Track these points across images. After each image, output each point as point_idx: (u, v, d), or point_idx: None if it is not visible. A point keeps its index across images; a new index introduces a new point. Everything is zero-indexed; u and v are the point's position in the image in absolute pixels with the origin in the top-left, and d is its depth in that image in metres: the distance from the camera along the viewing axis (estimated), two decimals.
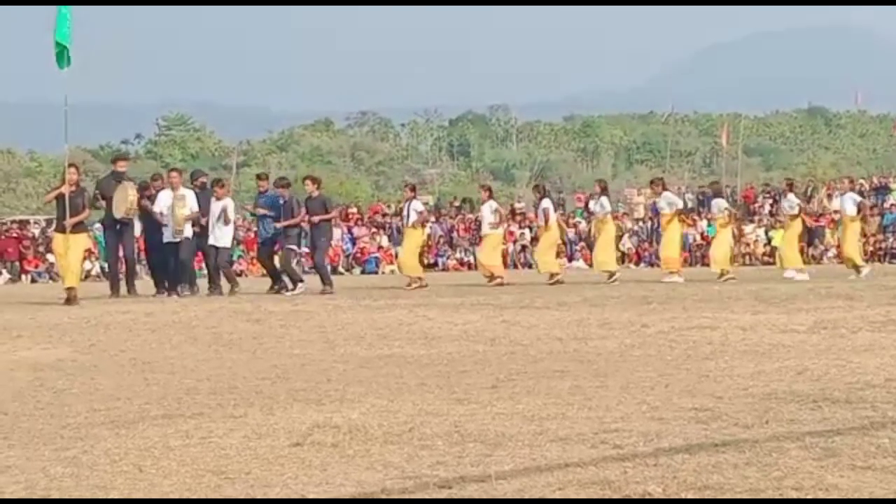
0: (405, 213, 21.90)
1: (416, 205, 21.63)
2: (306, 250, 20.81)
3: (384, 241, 39.20)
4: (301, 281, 19.10)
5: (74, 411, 6.07)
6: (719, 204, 22.47)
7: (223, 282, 19.01)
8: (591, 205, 24.00)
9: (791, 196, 22.89)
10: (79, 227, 16.86)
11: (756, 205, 41.01)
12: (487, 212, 21.79)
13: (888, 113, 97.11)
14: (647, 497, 3.78)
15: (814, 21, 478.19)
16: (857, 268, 20.96)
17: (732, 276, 20.73)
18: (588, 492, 3.85)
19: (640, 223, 41.50)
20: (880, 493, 3.76)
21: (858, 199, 22.62)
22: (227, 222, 18.64)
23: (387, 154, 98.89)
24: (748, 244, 36.85)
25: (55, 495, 4.07)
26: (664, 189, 22.41)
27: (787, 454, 4.38)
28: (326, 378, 7.30)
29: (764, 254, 35.79)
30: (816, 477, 3.97)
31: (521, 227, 39.39)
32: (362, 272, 35.76)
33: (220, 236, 18.65)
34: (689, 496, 3.77)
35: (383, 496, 3.91)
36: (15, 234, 35.66)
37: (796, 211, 22.40)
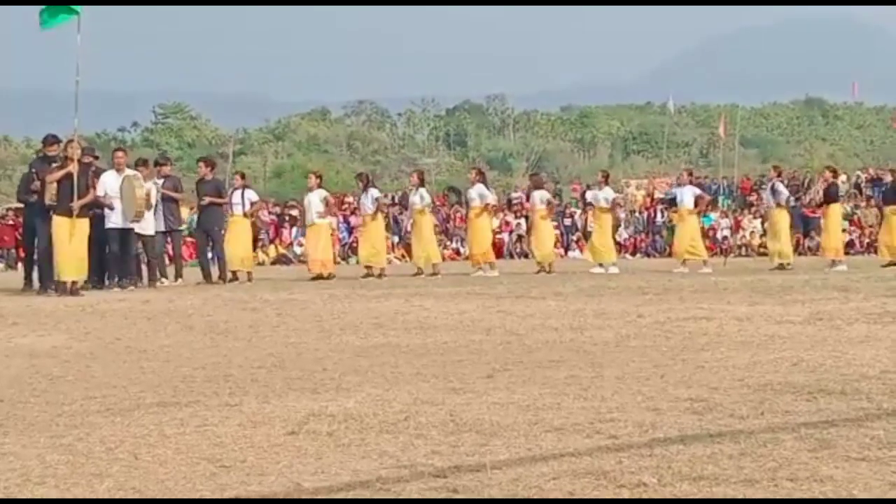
0: (236, 201, 20.12)
1: (250, 194, 20.57)
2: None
3: None
4: (180, 277, 18.58)
5: (70, 399, 6.07)
6: (542, 196, 22.41)
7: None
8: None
9: (607, 189, 22.92)
10: (83, 211, 15.72)
11: (753, 196, 41.04)
12: (316, 200, 20.65)
13: (885, 105, 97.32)
14: (642, 487, 3.78)
15: (812, 14, 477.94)
16: (685, 263, 21.48)
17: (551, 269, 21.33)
18: (583, 482, 3.86)
19: (637, 214, 41.58)
20: (875, 484, 3.77)
21: (698, 192, 22.92)
22: (149, 207, 17.58)
23: (383, 143, 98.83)
24: (744, 235, 36.88)
25: (51, 483, 4.07)
26: (480, 180, 22.02)
27: (782, 445, 4.38)
28: (322, 367, 7.31)
29: (760, 245, 35.81)
30: (811, 468, 3.98)
31: (517, 217, 39.40)
32: (358, 262, 35.73)
33: (143, 224, 17.61)
34: (684, 487, 3.77)
35: (378, 485, 3.91)
36: (11, 222, 35.59)
37: (609, 205, 22.60)
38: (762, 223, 36.71)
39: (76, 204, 15.42)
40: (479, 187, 21.72)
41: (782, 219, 22.27)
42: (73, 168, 15.45)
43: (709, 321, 9.92)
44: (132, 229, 17.27)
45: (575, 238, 39.46)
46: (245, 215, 20.19)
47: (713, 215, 40.28)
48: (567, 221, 40.07)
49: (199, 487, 3.97)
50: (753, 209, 38.07)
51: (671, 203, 40.64)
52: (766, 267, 21.33)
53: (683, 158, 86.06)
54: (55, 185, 15.57)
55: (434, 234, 23.49)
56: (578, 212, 40.43)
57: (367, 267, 20.86)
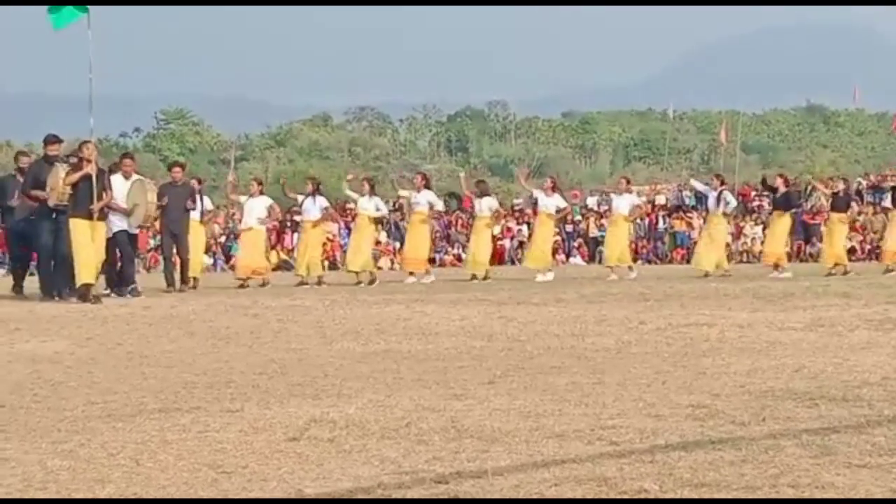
0: (200, 206, 19.78)
1: (206, 201, 20.30)
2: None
3: (382, 237, 39.17)
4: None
5: (72, 404, 6.06)
6: (489, 203, 22.42)
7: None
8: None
9: (556, 196, 23.06)
10: (101, 214, 15.17)
11: (754, 203, 41.03)
12: (259, 206, 20.42)
13: (887, 111, 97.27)
14: (644, 493, 3.78)
15: (814, 19, 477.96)
16: (630, 267, 21.97)
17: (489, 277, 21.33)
18: (584, 488, 3.86)
19: (638, 220, 41.54)
20: (876, 491, 3.77)
21: (636, 201, 23.38)
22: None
23: (384, 149, 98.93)
24: (746, 242, 36.87)
25: (52, 488, 4.08)
26: (426, 185, 22.00)
27: (784, 452, 4.38)
28: (323, 373, 7.31)
29: (761, 251, 35.82)
30: (812, 475, 3.98)
31: (518, 224, 39.45)
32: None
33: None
34: (685, 493, 3.77)
35: (380, 491, 3.91)
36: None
37: (558, 213, 22.80)
38: (763, 229, 36.75)
39: (96, 206, 14.99)
40: (427, 193, 21.63)
41: (723, 228, 22.64)
42: (92, 170, 15.05)
43: (710, 327, 9.92)
44: (136, 235, 17.11)
45: (576, 244, 39.48)
46: (200, 222, 20.03)
47: None
48: (569, 228, 40.09)
49: (201, 493, 3.98)
50: (755, 216, 38.07)
51: (677, 208, 40.79)
52: (767, 273, 21.29)
53: (685, 165, 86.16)
54: (67, 186, 15.10)
55: (372, 243, 23.54)
56: (580, 218, 40.48)
57: (318, 276, 20.55)
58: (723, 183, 23.73)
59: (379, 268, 35.03)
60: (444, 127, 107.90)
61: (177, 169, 19.43)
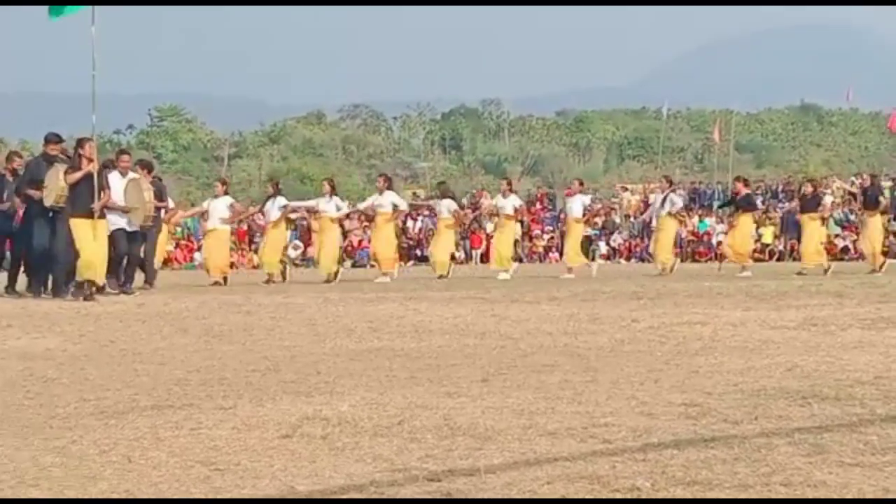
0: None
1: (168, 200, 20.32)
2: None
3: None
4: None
5: (64, 401, 6.06)
6: (448, 205, 22.63)
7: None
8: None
9: (513, 196, 23.22)
10: (101, 212, 15.07)
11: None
12: (222, 206, 20.63)
13: (880, 111, 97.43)
14: (636, 491, 3.78)
15: (807, 19, 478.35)
16: (588, 265, 22.67)
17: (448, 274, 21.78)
18: (576, 486, 3.86)
19: (632, 219, 41.61)
20: (868, 489, 3.77)
21: (587, 202, 23.74)
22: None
23: (378, 147, 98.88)
24: None
25: (44, 485, 4.07)
26: (389, 187, 22.28)
27: (776, 450, 4.38)
28: (316, 370, 7.30)
29: (755, 250, 35.82)
30: (805, 473, 3.98)
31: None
32: (353, 265, 35.73)
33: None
34: (678, 491, 3.77)
35: (372, 488, 3.91)
36: None
37: (511, 211, 22.94)
38: (756, 228, 36.77)
39: (97, 205, 14.87)
40: (390, 194, 21.97)
41: (671, 227, 23.11)
42: (94, 168, 14.91)
43: (703, 326, 9.93)
44: (136, 231, 17.05)
45: None
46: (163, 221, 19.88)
47: (708, 220, 40.30)
48: (563, 227, 40.09)
49: (193, 490, 3.97)
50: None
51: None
52: (760, 273, 21.33)
53: (678, 163, 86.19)
54: (67, 186, 14.93)
55: (338, 244, 23.81)
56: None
57: (269, 274, 21.17)
58: (671, 185, 24.18)
59: (372, 265, 35.06)
60: (438, 125, 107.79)
61: (138, 168, 19.30)
